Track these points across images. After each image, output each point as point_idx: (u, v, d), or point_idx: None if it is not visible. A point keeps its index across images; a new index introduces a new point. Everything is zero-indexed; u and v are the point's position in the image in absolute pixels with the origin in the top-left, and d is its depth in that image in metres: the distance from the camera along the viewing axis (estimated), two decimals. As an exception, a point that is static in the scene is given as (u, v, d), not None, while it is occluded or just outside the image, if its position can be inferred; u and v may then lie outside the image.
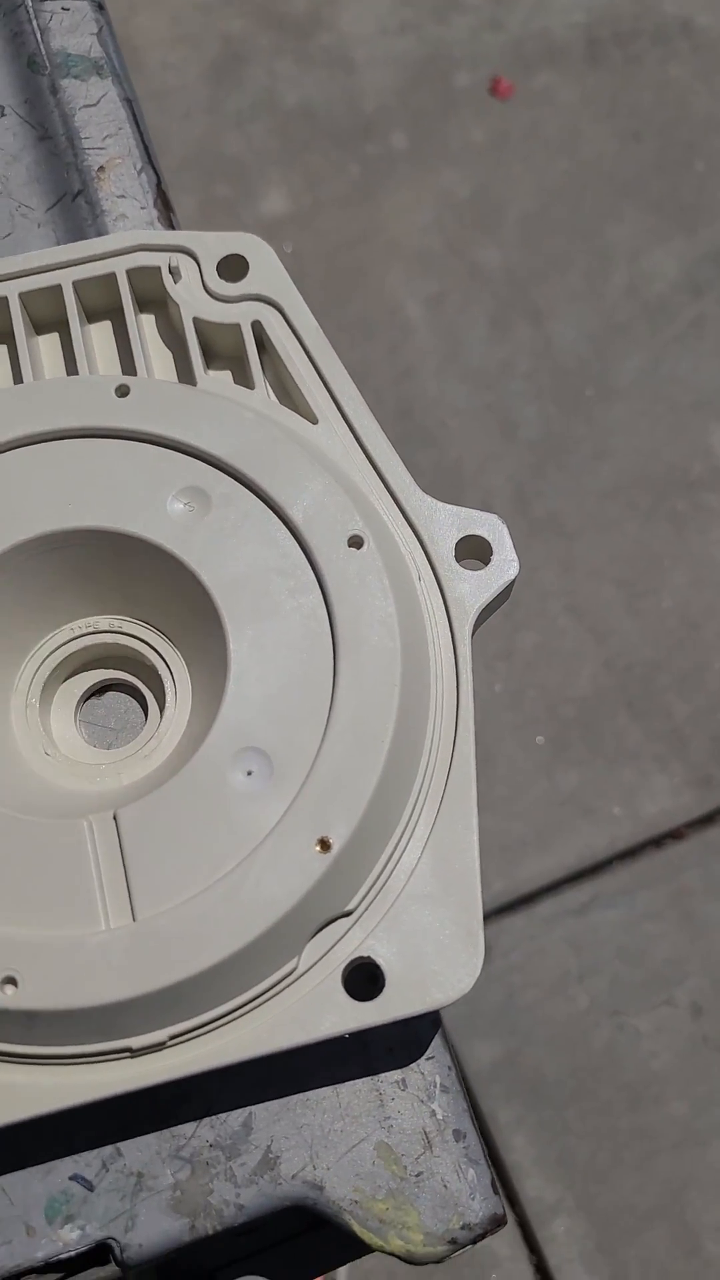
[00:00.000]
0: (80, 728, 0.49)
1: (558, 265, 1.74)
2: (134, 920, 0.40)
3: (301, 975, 0.41)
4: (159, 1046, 0.40)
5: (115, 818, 0.42)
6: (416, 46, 1.87)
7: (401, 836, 0.43)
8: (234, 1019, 0.41)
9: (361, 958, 0.41)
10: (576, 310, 1.72)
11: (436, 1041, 0.45)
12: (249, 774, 0.42)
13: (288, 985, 0.41)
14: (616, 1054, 1.49)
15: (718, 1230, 1.39)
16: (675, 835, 1.51)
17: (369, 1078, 0.44)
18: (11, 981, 0.39)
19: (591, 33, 1.87)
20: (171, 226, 0.57)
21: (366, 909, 0.42)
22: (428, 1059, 0.45)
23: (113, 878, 0.41)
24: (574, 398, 1.68)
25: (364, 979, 0.42)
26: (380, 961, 0.41)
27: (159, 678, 0.48)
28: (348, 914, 0.42)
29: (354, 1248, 0.47)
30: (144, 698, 0.49)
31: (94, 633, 0.48)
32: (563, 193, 1.77)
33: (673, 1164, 1.39)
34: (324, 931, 0.41)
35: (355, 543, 0.44)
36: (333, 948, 0.41)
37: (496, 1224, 0.43)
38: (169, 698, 0.47)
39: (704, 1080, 1.42)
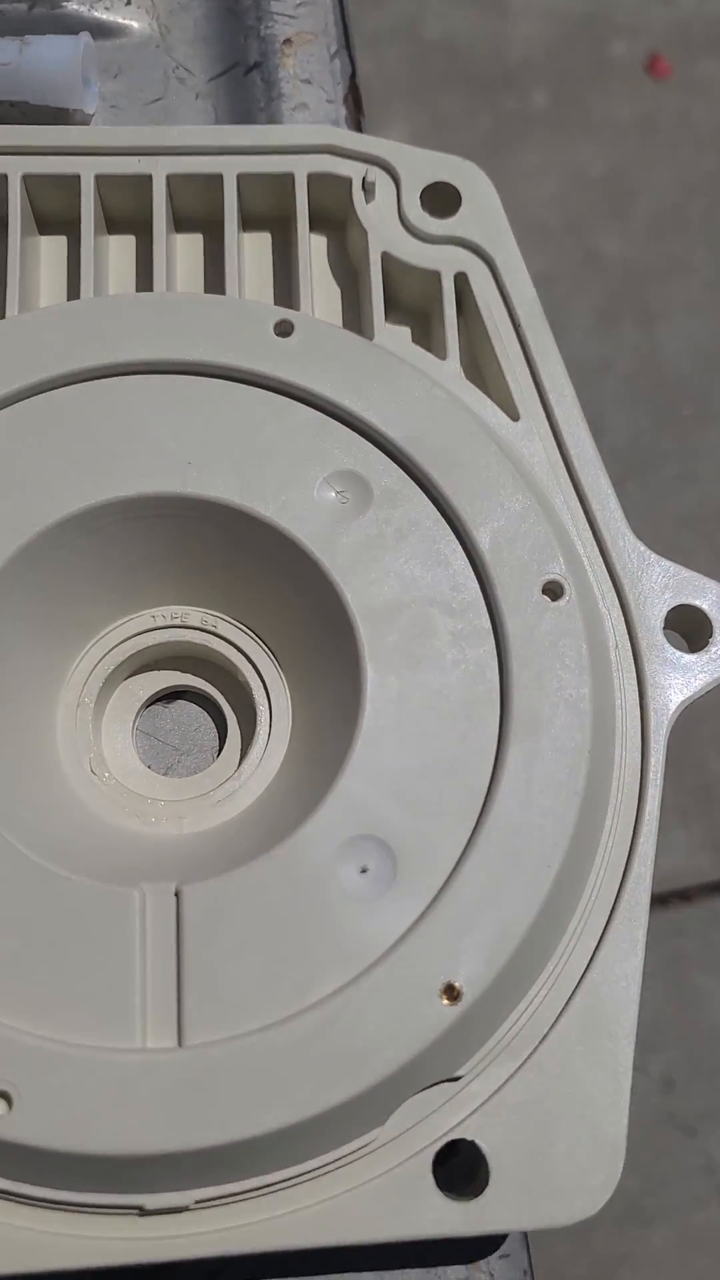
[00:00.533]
0: (136, 739, 0.38)
1: (680, 268, 1.62)
2: (180, 1044, 0.30)
3: (380, 1148, 0.31)
4: (179, 1210, 0.30)
5: (177, 895, 0.31)
6: (577, 3, 1.73)
7: (541, 986, 0.32)
8: (282, 1189, 0.30)
9: (461, 1140, 0.31)
10: (691, 320, 1.60)
11: (515, 1236, 0.35)
12: (363, 871, 0.31)
13: (360, 1158, 0.31)
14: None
15: (643, 1314, 1.32)
16: (683, 896, 1.42)
17: (424, 1270, 0.35)
18: (4, 1098, 0.29)
19: (766, 28, 1.73)
20: (359, 130, 0.45)
21: (478, 1075, 0.32)
22: (501, 1257, 0.35)
23: (161, 978, 0.30)
24: (669, 413, 1.57)
25: (458, 1165, 0.32)
26: (485, 1150, 0.31)
27: (250, 701, 0.37)
28: (453, 1079, 0.31)
29: None
30: (224, 719, 0.38)
31: (179, 626, 0.38)
32: (702, 191, 1.64)
33: (611, 1239, 1.31)
34: (420, 1094, 0.31)
35: (552, 590, 0.33)
36: (425, 1119, 0.31)
37: None
38: (260, 731, 0.37)
39: (661, 1159, 1.34)
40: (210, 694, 0.39)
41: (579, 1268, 1.31)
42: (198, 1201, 0.30)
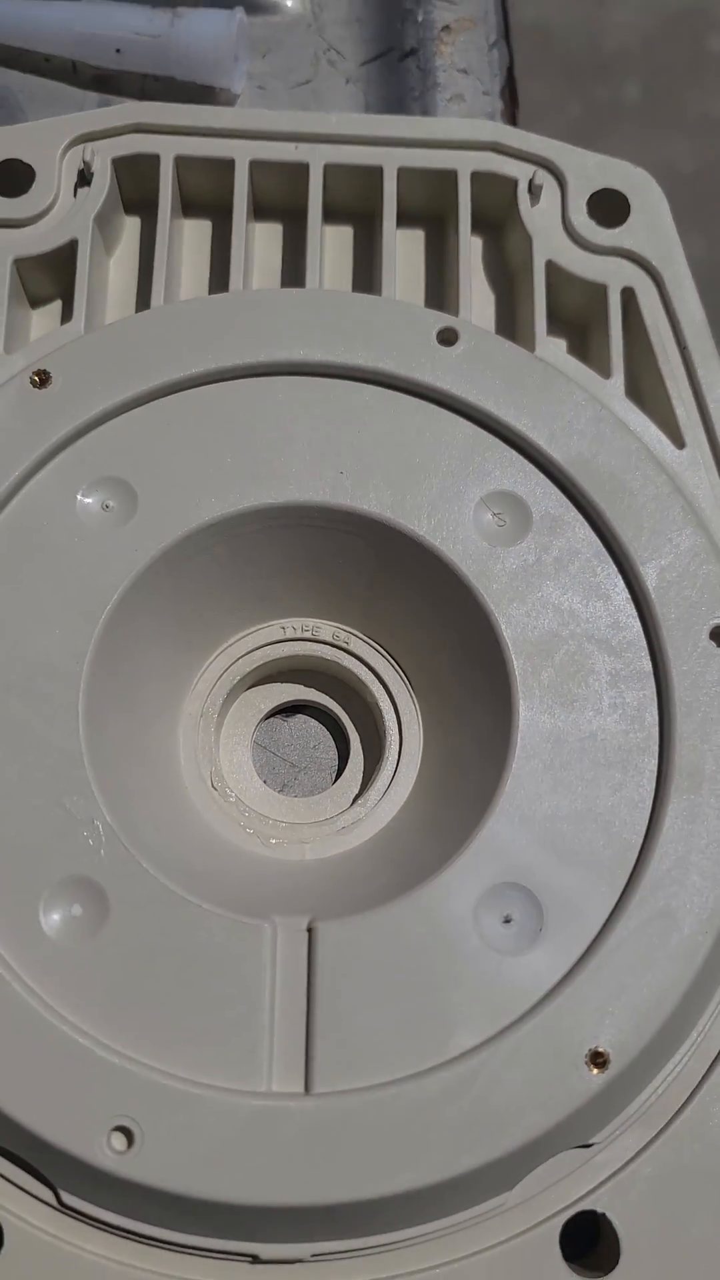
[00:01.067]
0: (254, 752, 0.37)
1: (766, 275, 1.58)
2: (307, 1090, 0.28)
3: (506, 1211, 0.29)
4: (294, 1261, 0.29)
5: (310, 931, 0.30)
6: (677, -5, 1.69)
7: (684, 1053, 0.31)
8: (403, 1248, 0.29)
9: (592, 1211, 0.29)
10: (773, 329, 1.56)
11: (623, 1304, 0.34)
12: (507, 921, 0.30)
13: (484, 1221, 0.29)
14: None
15: None
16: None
17: (529, 1333, 0.33)
18: (125, 1134, 0.27)
19: None
20: (514, 126, 0.43)
21: (611, 1143, 0.30)
22: (608, 1326, 0.33)
23: (290, 1019, 0.29)
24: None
25: (585, 1237, 0.30)
26: (617, 1224, 0.29)
27: (377, 723, 0.36)
28: (586, 1145, 0.30)
29: None
30: (345, 737, 0.37)
31: (310, 640, 0.36)
32: None
33: None
34: (550, 1160, 0.30)
35: (721, 637, 0.31)
36: (555, 1185, 0.30)
37: None
38: (387, 756, 0.35)
39: None
40: (333, 711, 0.37)
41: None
42: (315, 1255, 0.28)
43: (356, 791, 0.36)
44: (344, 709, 0.37)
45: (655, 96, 1.66)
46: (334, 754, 0.37)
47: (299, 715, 0.38)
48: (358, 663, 0.36)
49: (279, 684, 0.37)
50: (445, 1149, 0.28)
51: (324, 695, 0.37)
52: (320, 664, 0.36)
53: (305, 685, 0.37)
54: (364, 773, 0.36)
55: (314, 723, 0.38)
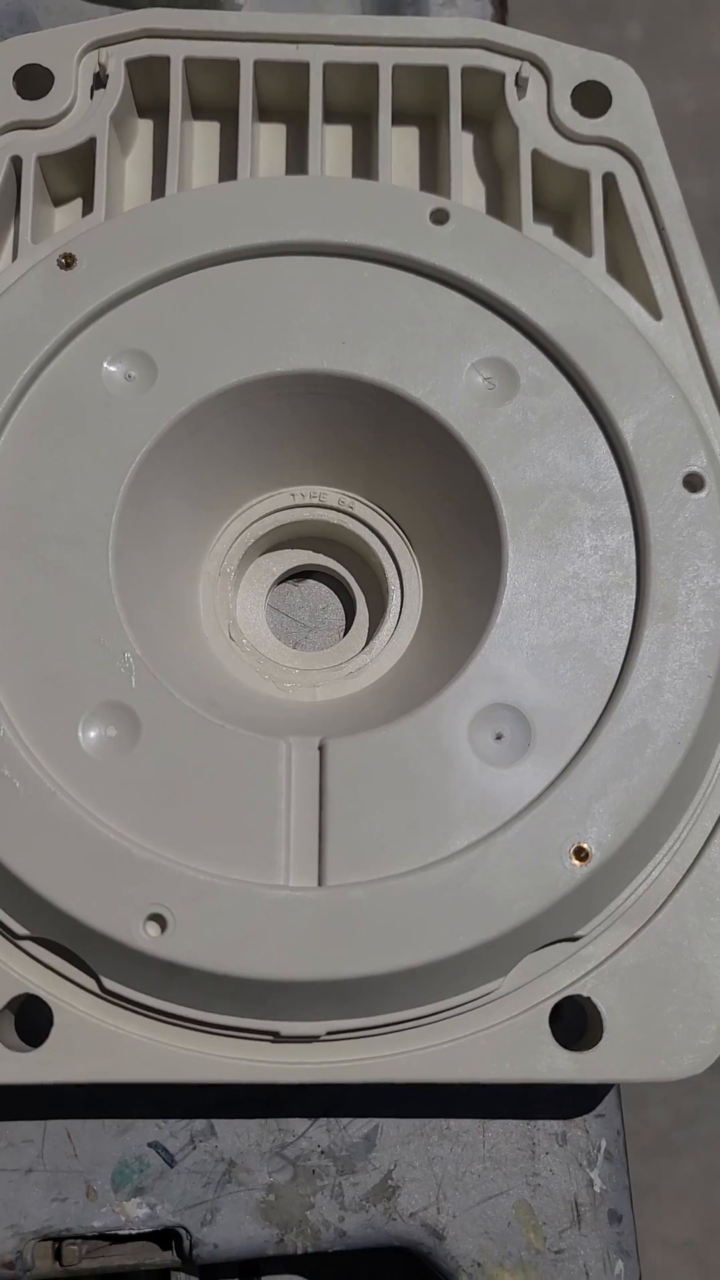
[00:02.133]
0: (268, 614, 0.40)
1: (768, 213, 1.59)
2: (320, 884, 0.32)
3: (501, 997, 0.33)
4: (311, 1039, 0.32)
5: (321, 748, 0.33)
6: (679, -67, 1.68)
7: (661, 859, 0.34)
8: (407, 1028, 0.32)
9: (579, 996, 0.33)
10: (776, 267, 1.57)
11: (610, 1098, 0.37)
12: (499, 737, 0.33)
13: (481, 1006, 0.33)
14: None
15: (664, 1244, 1.35)
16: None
17: (524, 1121, 0.37)
18: (158, 920, 0.31)
19: None
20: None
21: (597, 937, 0.33)
22: (597, 1116, 0.37)
23: (304, 823, 0.32)
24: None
25: (573, 1021, 0.33)
26: (601, 1007, 0.33)
27: (380, 580, 0.39)
28: (573, 938, 0.33)
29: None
30: (352, 599, 0.40)
31: (318, 506, 0.39)
32: None
33: (639, 1169, 1.34)
34: (540, 951, 0.33)
35: (693, 483, 0.34)
36: (546, 973, 0.33)
37: (634, 1331, 0.36)
38: (390, 608, 0.38)
39: (692, 1095, 1.37)
40: (340, 574, 0.40)
41: (605, 1193, 1.34)
42: (330, 1033, 0.32)
43: (363, 644, 0.39)
44: (350, 572, 0.40)
45: (657, 36, 1.66)
46: (342, 616, 0.40)
47: (309, 580, 0.41)
48: (361, 525, 0.39)
49: (290, 550, 0.40)
50: (443, 932, 0.31)
51: (331, 560, 0.40)
52: (327, 530, 0.39)
53: (314, 551, 0.40)
54: (369, 626, 0.39)
55: (323, 587, 0.41)
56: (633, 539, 0.34)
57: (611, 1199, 0.36)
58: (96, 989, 0.32)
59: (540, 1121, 0.37)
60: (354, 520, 0.39)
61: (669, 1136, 1.36)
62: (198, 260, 0.36)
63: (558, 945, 0.33)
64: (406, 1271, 0.40)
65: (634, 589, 0.34)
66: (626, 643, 0.33)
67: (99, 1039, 0.32)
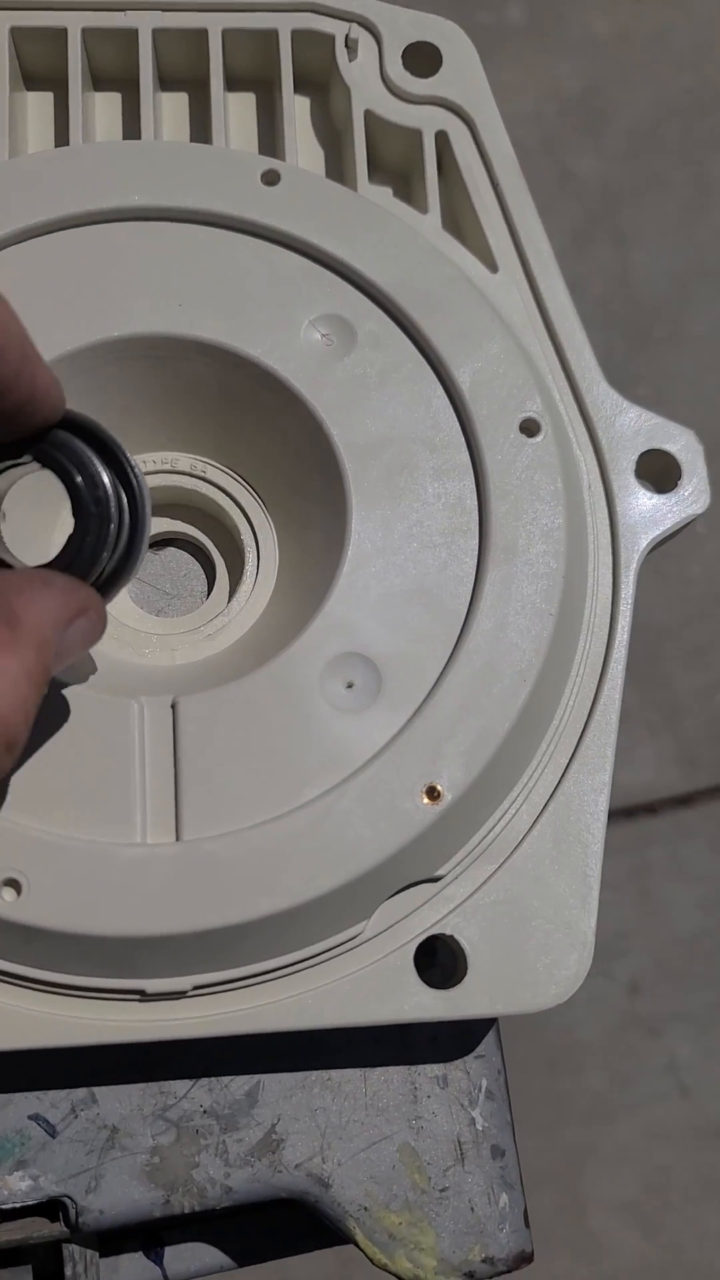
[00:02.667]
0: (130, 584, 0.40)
1: (656, 189, 1.61)
2: (178, 839, 0.32)
3: (365, 942, 0.33)
4: (178, 995, 0.32)
5: (173, 706, 0.33)
6: None
7: (517, 796, 0.34)
8: (275, 978, 0.33)
9: (441, 935, 0.33)
10: (665, 242, 1.60)
11: (490, 1038, 0.38)
12: (349, 686, 0.33)
13: (346, 951, 0.33)
14: (543, 1016, 1.46)
15: (605, 1204, 1.37)
16: (649, 809, 1.46)
17: (405, 1067, 0.37)
18: (13, 885, 0.31)
19: (744, -56, 1.71)
20: (341, -2, 0.46)
21: (458, 877, 0.34)
22: (477, 1057, 0.38)
23: (159, 781, 0.32)
24: (642, 335, 1.58)
25: (439, 960, 0.34)
26: (464, 944, 0.33)
27: (237, 543, 0.39)
28: (434, 879, 0.34)
29: (324, 1236, 0.40)
30: (212, 563, 0.40)
31: (169, 471, 0.39)
32: (679, 112, 1.64)
33: (578, 1133, 1.36)
34: (401, 894, 0.33)
35: (529, 428, 0.35)
36: (409, 915, 0.33)
37: (522, 1261, 0.36)
38: (247, 570, 0.38)
39: (627, 1058, 1.39)
40: (199, 540, 0.40)
41: (548, 1160, 1.36)
42: (196, 987, 0.32)
43: (223, 607, 0.39)
44: (208, 536, 0.40)
45: (538, 17, 1.68)
46: (204, 582, 0.41)
47: (169, 548, 0.41)
48: (214, 489, 0.39)
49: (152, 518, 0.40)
50: (300, 878, 0.31)
51: (189, 526, 0.40)
52: (181, 495, 0.39)
53: (172, 519, 0.40)
54: (230, 589, 0.39)
55: (184, 554, 0.41)
56: (474, 485, 0.35)
57: (494, 1135, 0.37)
58: (-43, 960, 0.32)
59: (421, 1066, 0.37)
60: (207, 484, 0.39)
61: (606, 1099, 1.38)
62: (28, 229, 0.36)
63: (420, 887, 0.34)
64: (313, 1224, 0.40)
65: (476, 534, 0.34)
66: (471, 586, 0.34)
67: (-37, 1011, 0.32)
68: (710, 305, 1.59)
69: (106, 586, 0.29)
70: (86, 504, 0.29)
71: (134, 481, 0.30)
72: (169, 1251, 0.39)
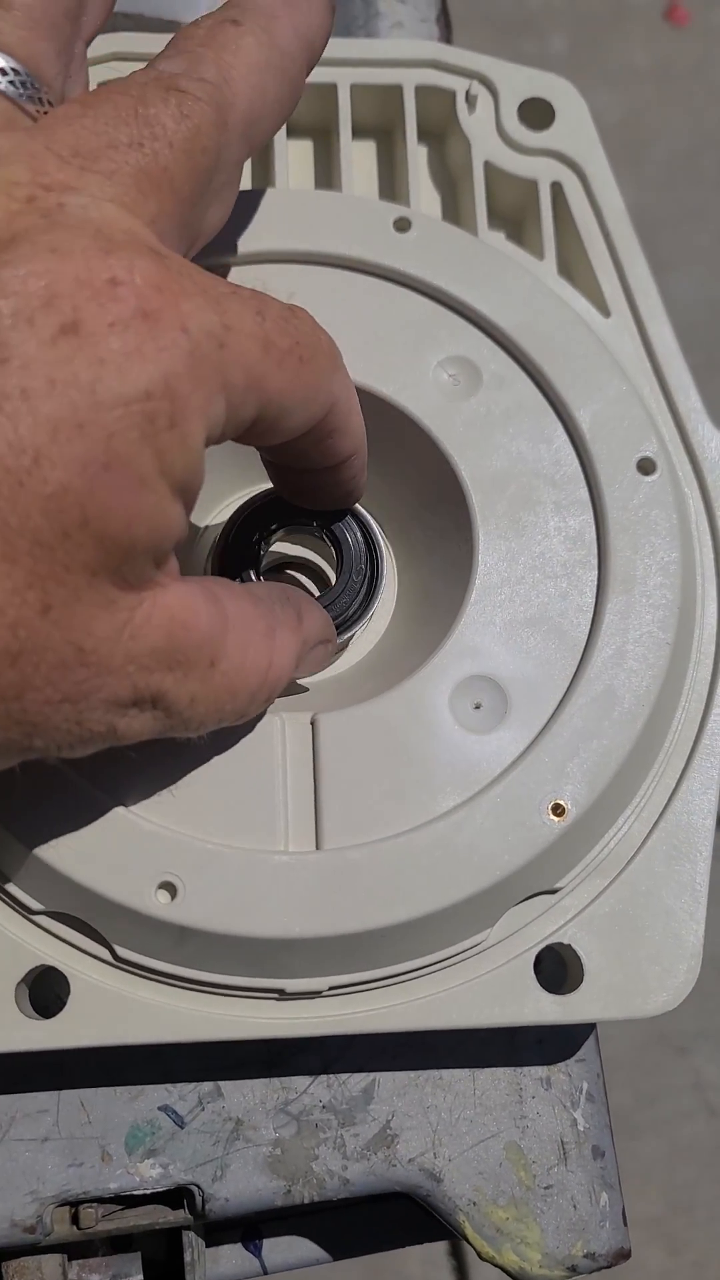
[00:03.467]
0: (250, 604, 0.42)
1: (694, 217, 1.64)
2: (318, 848, 0.34)
3: (489, 948, 0.35)
4: (314, 995, 0.34)
5: (313, 723, 0.35)
6: (598, -52, 1.74)
7: (630, 814, 0.36)
8: (403, 981, 0.35)
9: (560, 944, 0.35)
10: (702, 270, 1.62)
11: (590, 1043, 0.40)
12: (477, 707, 0.35)
13: (471, 957, 0.35)
14: (571, 1029, 1.47)
15: (632, 1223, 1.39)
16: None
17: (511, 1069, 0.39)
18: (169, 889, 0.33)
19: (785, -23, 1.74)
20: (450, 51, 0.49)
21: (575, 888, 0.36)
22: (578, 1060, 0.40)
23: (300, 793, 0.34)
24: (678, 360, 1.60)
25: (556, 967, 0.36)
26: (581, 953, 0.35)
27: (358, 568, 0.41)
28: (553, 890, 0.36)
29: (422, 1231, 0.42)
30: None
31: (295, 500, 0.41)
32: (717, 140, 1.67)
33: (605, 1148, 1.38)
34: (523, 904, 0.36)
35: (646, 467, 0.37)
36: (529, 924, 0.35)
37: (621, 1258, 0.38)
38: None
39: (651, 1076, 1.41)
40: (319, 565, 0.42)
41: (572, 1175, 1.37)
42: (331, 988, 0.34)
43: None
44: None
45: (580, 49, 1.72)
46: (321, 602, 0.43)
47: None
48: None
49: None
50: (433, 888, 0.33)
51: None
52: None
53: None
54: (351, 612, 0.41)
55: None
56: (593, 520, 0.37)
57: (594, 1136, 0.39)
58: (110, 958, 0.34)
59: (526, 1068, 0.39)
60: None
61: (631, 1118, 1.40)
62: (177, 270, 0.38)
63: (539, 898, 0.36)
64: (406, 1220, 0.42)
65: (595, 566, 0.37)
66: (591, 615, 0.36)
67: (114, 1004, 0.34)
68: (746, 332, 1.61)
69: (341, 630, 0.37)
70: (350, 566, 0.38)
71: (379, 555, 0.38)
72: (267, 1244, 0.41)
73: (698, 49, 1.70)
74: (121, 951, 0.34)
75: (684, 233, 1.65)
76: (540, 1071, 0.39)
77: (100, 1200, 0.37)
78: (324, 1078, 0.38)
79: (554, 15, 1.72)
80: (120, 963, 0.34)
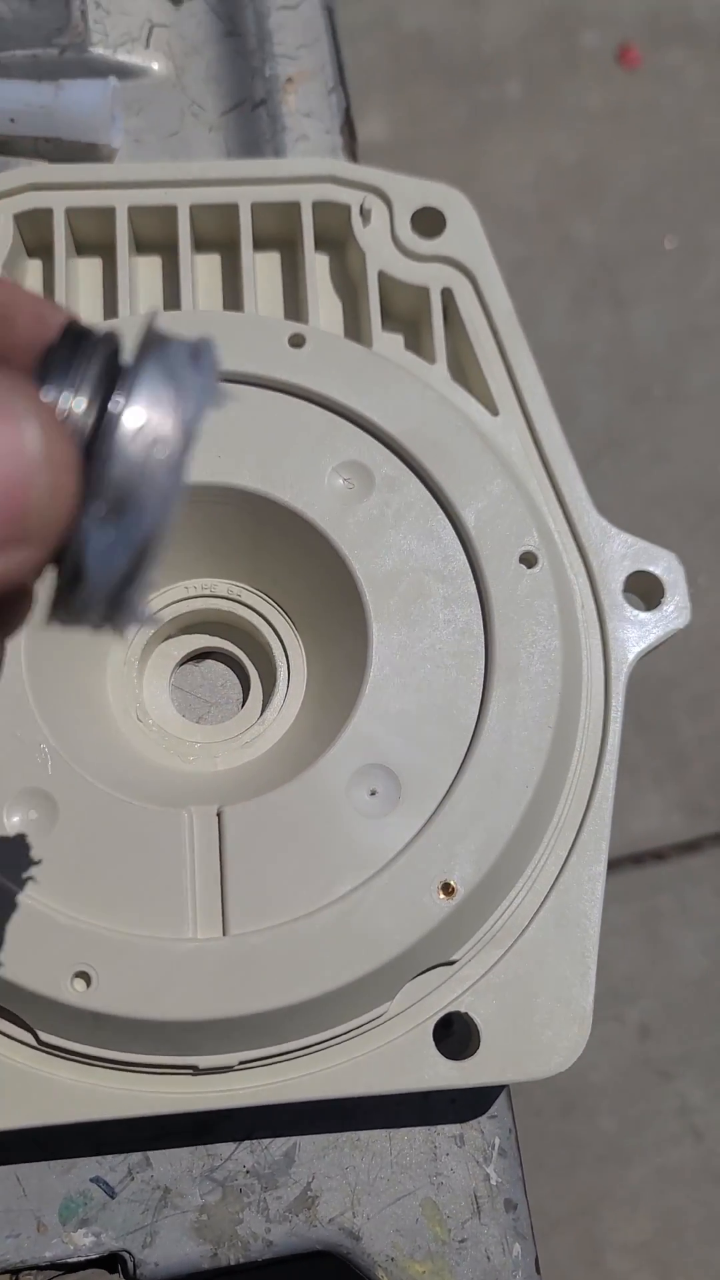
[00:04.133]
0: (172, 694, 0.45)
1: (651, 253, 1.68)
2: (224, 934, 0.36)
3: (390, 1019, 0.38)
4: (226, 1069, 0.37)
5: (219, 814, 0.38)
6: (549, -5, 1.78)
7: (522, 886, 0.39)
8: (311, 1052, 0.37)
9: (457, 1012, 0.38)
10: (661, 304, 1.66)
11: (501, 1100, 0.42)
12: (372, 793, 0.38)
13: (375, 1028, 0.37)
14: (557, 1058, 1.49)
15: (622, 1249, 1.40)
16: (657, 855, 1.50)
17: (426, 1128, 0.41)
18: (84, 977, 0.35)
19: (732, 18, 1.79)
20: (354, 158, 0.52)
21: (471, 959, 0.38)
22: (490, 1117, 0.42)
23: (207, 882, 0.37)
24: (641, 394, 1.63)
25: (455, 1034, 0.38)
26: (477, 1020, 0.38)
27: (270, 658, 0.44)
28: (450, 962, 0.38)
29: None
30: (247, 675, 0.45)
31: (209, 596, 0.44)
32: (671, 179, 1.70)
33: (592, 1177, 1.39)
34: (421, 976, 0.38)
35: (528, 560, 0.40)
36: (427, 995, 0.38)
37: (534, 1307, 0.41)
38: (279, 683, 0.43)
39: (638, 1101, 1.42)
40: (235, 654, 0.45)
41: (563, 1204, 1.39)
42: (242, 1062, 0.36)
43: (258, 714, 0.44)
44: (244, 651, 0.45)
45: (536, 93, 1.76)
46: (239, 689, 0.45)
47: (208, 660, 0.46)
48: (249, 611, 0.44)
49: (189, 635, 0.45)
50: (332, 967, 0.36)
51: (227, 642, 0.45)
52: (220, 615, 0.44)
53: (210, 635, 0.45)
54: (263, 698, 0.44)
55: (221, 666, 0.46)
56: (480, 611, 0.40)
57: (506, 1190, 0.41)
58: (33, 1042, 0.36)
59: (440, 1126, 0.41)
60: (243, 606, 0.44)
61: (618, 1144, 1.41)
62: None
63: (437, 969, 0.38)
64: (329, 1278, 0.44)
65: (483, 655, 0.39)
66: (479, 702, 0.39)
67: (38, 1086, 0.36)
68: (706, 364, 1.65)
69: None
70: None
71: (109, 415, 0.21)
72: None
73: (649, 91, 1.74)
74: (44, 1036, 0.36)
75: (642, 269, 1.68)
76: (454, 1129, 0.42)
77: (37, 1268, 0.40)
78: (247, 1143, 0.41)
79: (508, 61, 1.76)
80: (43, 1046, 0.36)
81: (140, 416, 0.20)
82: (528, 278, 1.64)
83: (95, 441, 0.20)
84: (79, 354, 0.21)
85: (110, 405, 0.20)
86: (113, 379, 0.21)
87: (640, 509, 1.58)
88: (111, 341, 0.22)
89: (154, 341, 0.21)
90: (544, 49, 1.76)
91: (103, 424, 0.20)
